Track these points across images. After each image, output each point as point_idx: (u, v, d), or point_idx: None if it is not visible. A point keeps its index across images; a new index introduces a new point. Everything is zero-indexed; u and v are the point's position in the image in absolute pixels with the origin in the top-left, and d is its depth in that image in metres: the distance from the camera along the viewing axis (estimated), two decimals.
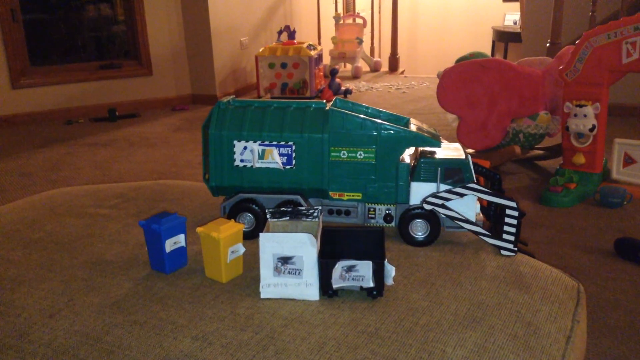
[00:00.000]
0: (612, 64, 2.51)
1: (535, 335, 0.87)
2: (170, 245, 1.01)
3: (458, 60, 3.18)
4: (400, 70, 6.43)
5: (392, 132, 1.10)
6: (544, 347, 0.84)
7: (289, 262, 0.92)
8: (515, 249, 1.10)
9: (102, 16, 4.87)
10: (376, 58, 6.65)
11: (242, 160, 1.14)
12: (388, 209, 1.15)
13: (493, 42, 6.50)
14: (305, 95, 4.84)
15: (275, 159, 1.12)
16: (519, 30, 5.64)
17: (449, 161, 1.11)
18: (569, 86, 2.63)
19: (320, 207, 1.02)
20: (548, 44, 3.85)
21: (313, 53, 4.78)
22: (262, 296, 0.93)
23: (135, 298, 0.94)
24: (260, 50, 4.87)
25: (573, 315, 0.95)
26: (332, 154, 1.12)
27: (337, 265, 0.91)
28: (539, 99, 2.87)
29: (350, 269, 0.91)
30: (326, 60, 5.93)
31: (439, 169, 1.10)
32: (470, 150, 3.00)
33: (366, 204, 1.15)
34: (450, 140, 1.66)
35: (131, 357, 0.80)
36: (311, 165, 1.12)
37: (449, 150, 1.15)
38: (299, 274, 0.92)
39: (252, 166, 1.14)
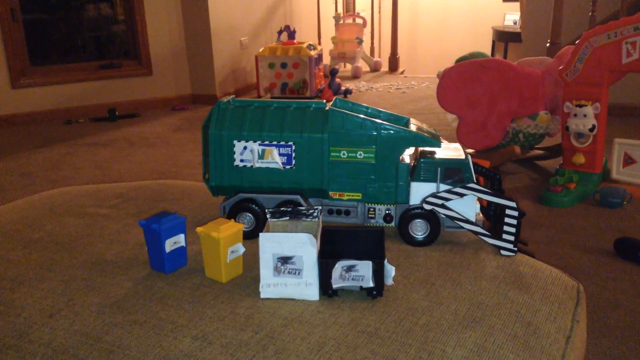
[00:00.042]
0: (612, 64, 2.51)
1: (535, 335, 0.87)
2: (170, 245, 1.01)
3: (458, 60, 3.18)
4: (400, 70, 6.43)
5: (392, 132, 1.10)
6: (544, 347, 0.85)
7: (288, 262, 0.92)
8: (515, 249, 1.10)
9: (102, 16, 4.87)
10: (376, 58, 6.65)
11: (242, 160, 1.14)
12: (388, 209, 1.15)
13: (493, 42, 6.50)
14: (305, 95, 4.84)
15: (275, 158, 1.12)
16: (519, 30, 5.64)
17: (449, 161, 1.11)
18: (568, 86, 2.63)
19: (320, 207, 1.02)
20: (548, 44, 3.85)
21: (313, 53, 4.78)
22: (262, 296, 0.93)
23: (135, 298, 0.94)
24: (260, 50, 4.87)
25: (573, 315, 0.95)
26: (332, 154, 1.12)
27: (337, 265, 0.91)
28: (539, 99, 2.87)
29: (350, 268, 0.91)
30: (326, 60, 5.94)
31: (439, 169, 1.10)
32: (470, 150, 3.01)
33: (366, 204, 1.15)
34: (450, 140, 1.66)
35: (131, 357, 0.80)
36: (311, 165, 1.12)
37: (449, 150, 1.15)
38: (298, 273, 0.92)
39: (252, 166, 1.14)
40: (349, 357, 0.79)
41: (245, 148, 1.13)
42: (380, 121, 1.11)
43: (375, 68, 6.43)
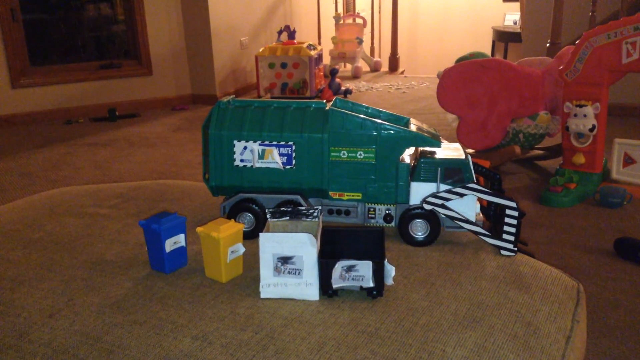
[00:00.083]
0: (612, 64, 2.51)
1: (535, 335, 0.87)
2: (170, 245, 1.01)
3: (458, 60, 3.18)
4: (400, 70, 6.43)
5: (392, 132, 1.10)
6: (544, 347, 0.84)
7: (288, 262, 0.92)
8: (515, 249, 1.10)
9: (102, 16, 4.87)
10: (376, 58, 6.65)
11: (242, 160, 1.14)
12: (388, 209, 1.15)
13: (493, 42, 6.50)
14: (305, 95, 4.84)
15: (275, 158, 1.12)
16: (519, 30, 5.64)
17: (449, 161, 1.11)
18: (569, 86, 2.63)
19: (320, 207, 1.02)
20: (548, 44, 3.85)
21: (313, 53, 4.78)
22: (262, 296, 0.93)
23: (135, 298, 0.94)
24: (260, 50, 4.87)
25: (573, 315, 0.95)
26: (332, 153, 1.12)
27: (337, 265, 0.91)
28: (539, 99, 2.87)
29: (350, 268, 0.91)
30: (326, 60, 5.94)
31: (439, 169, 1.10)
32: (470, 150, 3.01)
33: (366, 203, 1.15)
34: (450, 140, 1.66)
35: (131, 357, 0.80)
36: (311, 165, 1.12)
37: (449, 150, 1.15)
38: (299, 273, 0.92)
39: (252, 166, 1.14)
40: (349, 357, 0.79)
41: (245, 148, 1.13)
42: (380, 121, 1.11)
43: (375, 68, 6.43)
